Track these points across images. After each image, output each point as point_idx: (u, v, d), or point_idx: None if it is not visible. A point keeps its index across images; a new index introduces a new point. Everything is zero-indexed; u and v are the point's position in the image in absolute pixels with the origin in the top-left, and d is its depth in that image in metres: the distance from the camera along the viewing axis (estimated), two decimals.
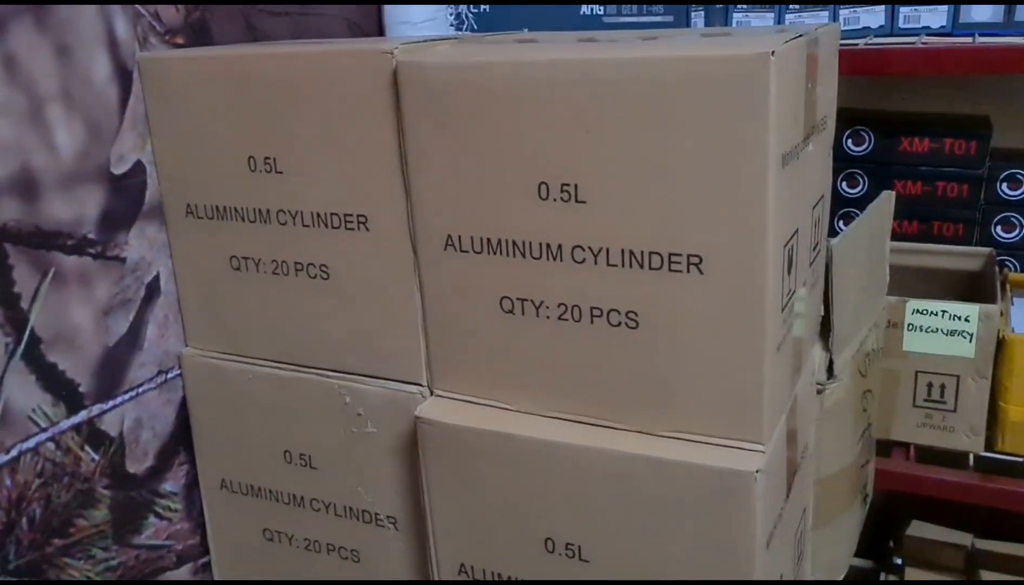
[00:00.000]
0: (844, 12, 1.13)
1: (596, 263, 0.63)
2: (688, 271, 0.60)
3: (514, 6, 1.15)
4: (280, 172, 0.75)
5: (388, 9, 1.08)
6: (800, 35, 0.62)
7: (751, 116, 0.55)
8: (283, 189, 0.76)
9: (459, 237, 0.68)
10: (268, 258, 0.79)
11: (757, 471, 0.60)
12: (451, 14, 1.13)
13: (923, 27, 1.12)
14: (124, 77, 0.79)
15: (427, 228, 0.70)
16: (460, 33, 1.13)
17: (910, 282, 1.20)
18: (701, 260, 0.60)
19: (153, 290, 0.83)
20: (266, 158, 0.76)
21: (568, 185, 0.62)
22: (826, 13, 1.14)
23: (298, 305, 0.79)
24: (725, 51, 0.56)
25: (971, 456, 1.07)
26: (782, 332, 0.63)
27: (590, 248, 0.63)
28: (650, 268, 0.61)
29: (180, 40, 0.84)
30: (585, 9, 1.11)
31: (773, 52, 0.54)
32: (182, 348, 0.86)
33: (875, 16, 1.13)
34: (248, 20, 0.92)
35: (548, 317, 0.66)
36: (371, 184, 0.71)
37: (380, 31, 1.09)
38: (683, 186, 0.59)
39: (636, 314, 0.63)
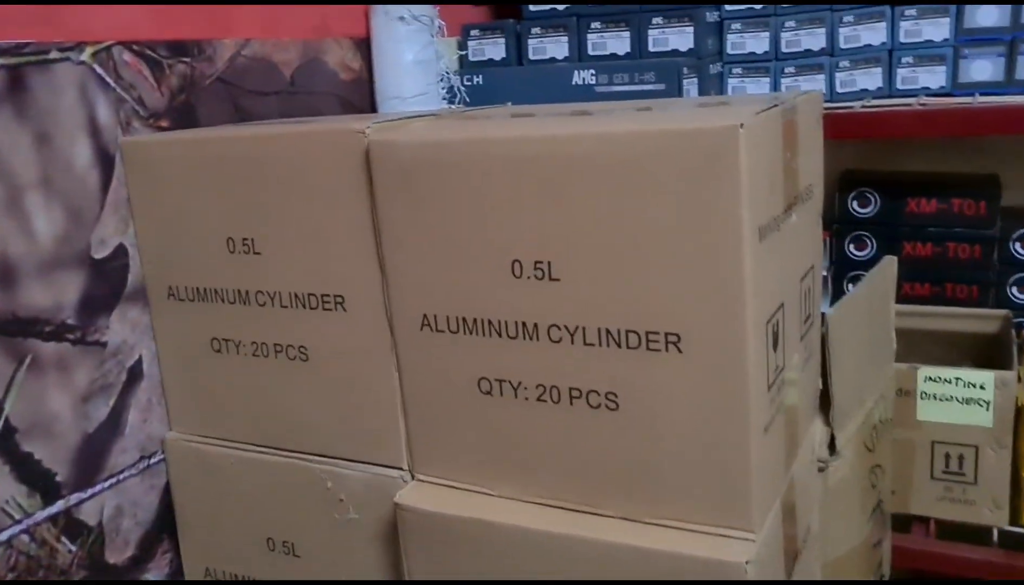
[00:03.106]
0: (840, 75, 1.12)
1: (573, 342, 0.61)
2: (667, 349, 0.58)
3: (508, 76, 1.16)
4: (258, 253, 0.75)
5: (380, 84, 1.08)
6: (775, 105, 0.60)
7: (723, 189, 0.53)
8: (261, 270, 0.75)
9: (435, 317, 0.66)
10: (248, 340, 0.77)
11: (747, 562, 0.57)
12: (443, 87, 1.14)
13: (922, 88, 1.10)
14: (106, 162, 0.79)
15: (403, 308, 0.68)
16: (452, 107, 1.13)
17: (923, 346, 1.16)
18: (679, 338, 0.57)
19: (136, 374, 0.82)
20: (244, 239, 0.75)
21: (541, 263, 0.61)
22: (822, 77, 1.13)
23: (278, 387, 0.77)
24: (693, 124, 0.54)
25: (995, 531, 1.02)
26: (770, 412, 0.60)
27: (566, 327, 0.61)
28: (628, 347, 0.59)
29: (165, 123, 0.85)
30: (577, 78, 1.11)
31: (742, 124, 0.52)
32: (165, 432, 0.85)
33: (872, 78, 1.11)
34: (236, 101, 0.92)
35: (527, 398, 0.64)
36: (347, 264, 0.70)
37: (372, 106, 1.10)
38: (658, 262, 0.57)
39: (616, 395, 0.60)
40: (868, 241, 1.26)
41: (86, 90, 0.77)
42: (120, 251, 0.80)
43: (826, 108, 1.06)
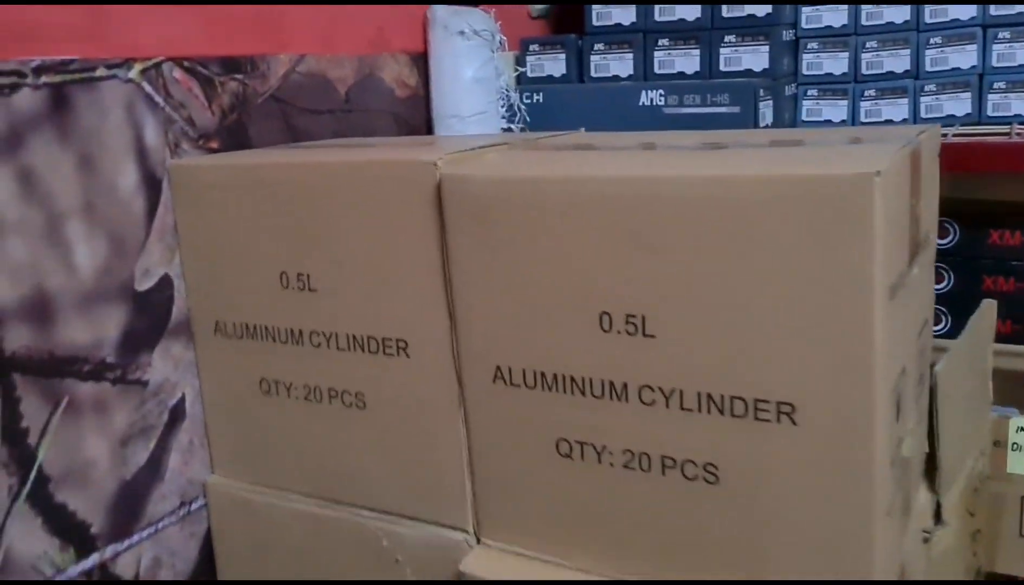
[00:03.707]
0: (925, 100, 1.05)
1: (668, 406, 0.55)
2: (778, 420, 0.51)
3: (570, 95, 1.10)
4: (314, 290, 0.69)
5: (437, 102, 1.02)
6: (904, 144, 0.54)
7: (852, 245, 0.47)
8: (317, 308, 0.69)
9: (510, 369, 0.60)
10: (300, 382, 0.72)
11: None
12: (503, 105, 1.08)
13: (1014, 115, 1.03)
14: (152, 186, 0.73)
15: (474, 357, 0.62)
16: (512, 127, 1.07)
17: (1007, 389, 1.08)
18: (794, 408, 0.51)
19: (177, 414, 0.76)
20: (299, 274, 0.69)
21: (634, 316, 0.54)
22: (905, 101, 1.05)
23: (332, 435, 0.71)
24: (819, 169, 0.48)
25: None
26: (893, 491, 0.53)
27: (660, 389, 0.55)
28: (732, 415, 0.53)
29: (215, 144, 0.79)
30: (644, 98, 1.05)
31: (878, 172, 0.46)
32: (207, 475, 0.79)
33: (960, 103, 1.04)
34: (288, 120, 0.87)
35: (611, 464, 0.58)
36: (412, 306, 0.64)
37: (428, 125, 1.04)
38: (771, 322, 0.50)
39: (715, 467, 0.54)
40: (945, 274, 1.18)
41: (133, 109, 0.72)
42: (165, 282, 0.75)
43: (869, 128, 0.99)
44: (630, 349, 0.55)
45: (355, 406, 0.69)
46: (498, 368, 0.61)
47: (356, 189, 0.65)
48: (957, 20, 1.01)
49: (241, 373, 0.75)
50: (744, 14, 1.05)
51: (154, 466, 0.74)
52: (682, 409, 0.54)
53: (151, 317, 0.74)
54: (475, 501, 0.65)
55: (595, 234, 0.54)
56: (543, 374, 0.59)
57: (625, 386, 0.56)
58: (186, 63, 0.76)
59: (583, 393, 0.58)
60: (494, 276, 0.59)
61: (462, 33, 1.00)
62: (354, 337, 0.68)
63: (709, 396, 0.53)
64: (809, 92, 1.10)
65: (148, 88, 0.73)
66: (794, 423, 0.51)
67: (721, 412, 0.53)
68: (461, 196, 0.59)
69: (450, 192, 0.60)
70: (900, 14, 1.04)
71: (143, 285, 0.73)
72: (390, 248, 0.64)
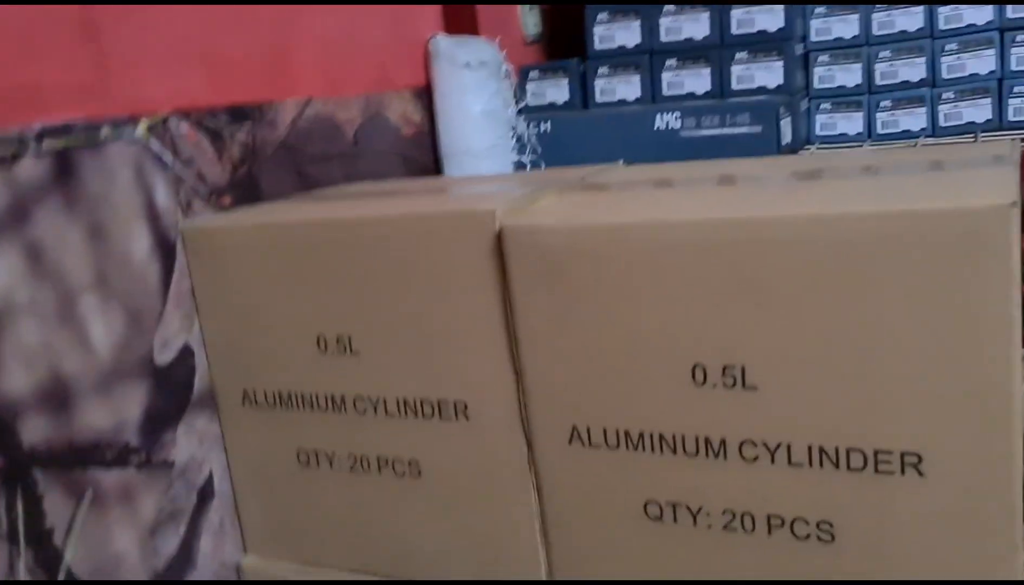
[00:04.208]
0: (944, 108, 1.03)
1: (773, 462, 0.50)
2: (903, 472, 0.47)
3: (579, 123, 1.06)
4: (356, 352, 0.63)
5: (445, 138, 0.98)
6: (1006, 165, 0.50)
7: (988, 282, 0.43)
8: (360, 372, 0.64)
9: (588, 429, 0.55)
10: (344, 452, 0.66)
11: None
12: (513, 137, 1.03)
13: None
14: (166, 251, 0.68)
15: (546, 418, 0.57)
16: (524, 161, 1.03)
17: None
18: (920, 459, 0.47)
19: (206, 493, 0.70)
20: (339, 337, 0.64)
21: (732, 367, 0.50)
22: (923, 110, 1.03)
23: (382, 507, 0.66)
24: (947, 203, 0.44)
25: None
26: None
27: (764, 444, 0.50)
28: (848, 468, 0.48)
29: (227, 200, 0.74)
30: (659, 122, 1.01)
31: (1015, 202, 0.42)
32: (240, 556, 0.73)
33: (980, 110, 1.02)
34: (299, 168, 0.82)
35: (709, 527, 0.53)
36: (471, 365, 0.59)
37: (435, 163, 0.99)
38: (892, 367, 0.46)
39: (831, 525, 0.50)
40: None
41: (142, 171, 0.66)
42: (185, 353, 0.69)
43: (931, 145, 0.97)
44: (728, 402, 0.51)
45: (408, 475, 0.64)
46: (575, 428, 0.56)
47: (403, 244, 0.60)
48: (973, 25, 0.99)
49: (274, 445, 0.69)
50: (755, 30, 1.02)
51: (185, 553, 0.68)
52: (790, 464, 0.50)
53: (173, 392, 0.68)
54: (550, 572, 0.60)
55: (685, 282, 0.50)
56: (627, 433, 0.54)
57: (723, 442, 0.51)
58: (193, 115, 0.71)
59: (674, 451, 0.53)
60: (568, 330, 0.54)
61: (467, 65, 0.95)
62: (405, 401, 0.63)
63: (821, 449, 0.49)
64: (822, 106, 1.08)
65: (156, 146, 0.68)
66: (920, 475, 0.47)
67: (836, 466, 0.49)
68: (528, 248, 0.54)
69: (514, 244, 0.55)
70: (913, 22, 1.02)
71: (163, 358, 0.67)
72: (444, 304, 0.59)
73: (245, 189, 0.76)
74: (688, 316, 0.50)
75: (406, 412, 0.63)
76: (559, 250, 0.53)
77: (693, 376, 0.51)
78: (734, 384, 0.50)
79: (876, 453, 0.48)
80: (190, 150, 0.71)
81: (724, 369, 0.50)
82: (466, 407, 0.60)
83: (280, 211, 0.70)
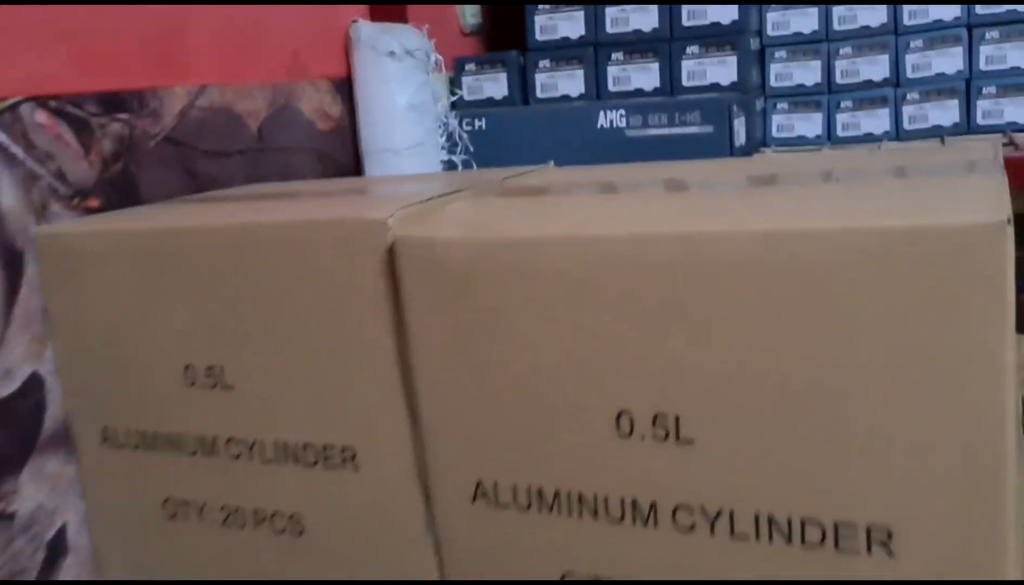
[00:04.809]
0: (908, 109, 0.95)
1: (713, 532, 0.41)
2: (868, 551, 0.38)
3: (516, 120, 0.96)
4: (229, 386, 0.54)
5: (366, 134, 0.88)
6: (991, 173, 0.42)
7: (975, 315, 0.35)
8: (234, 410, 0.54)
9: (495, 485, 0.46)
10: (216, 503, 0.56)
11: None
12: (442, 135, 0.94)
13: (1007, 122, 0.94)
14: (12, 262, 0.57)
15: (446, 471, 0.48)
16: (455, 160, 0.93)
17: None
18: (890, 535, 0.38)
19: (58, 548, 0.60)
20: (209, 367, 0.54)
21: (664, 416, 0.41)
22: (886, 111, 0.96)
23: (259, 568, 0.56)
24: (931, 219, 0.35)
25: None
26: None
27: (703, 509, 0.41)
28: (803, 543, 0.40)
29: (95, 203, 0.63)
30: (603, 120, 0.92)
31: (1009, 219, 0.34)
32: None
33: (947, 112, 0.95)
34: (189, 165, 0.71)
35: None
36: (360, 405, 0.50)
37: (356, 162, 0.89)
38: (857, 419, 0.38)
39: None
40: None
41: None
42: (33, 384, 0.58)
43: (896, 150, 0.89)
44: (660, 458, 0.42)
45: (289, 532, 0.54)
46: (480, 484, 0.47)
47: (280, 259, 0.50)
48: (940, 21, 0.92)
49: (138, 492, 0.59)
50: (707, 22, 0.94)
51: None
52: (732, 535, 0.41)
53: (17, 430, 0.57)
54: None
55: (610, 311, 0.41)
56: (540, 491, 0.45)
57: (654, 506, 0.42)
58: (52, 102, 0.60)
59: (595, 515, 0.44)
60: (471, 366, 0.45)
61: (392, 54, 0.86)
62: (285, 445, 0.53)
63: (771, 519, 0.40)
64: (779, 105, 1.00)
65: (2, 137, 0.57)
66: (890, 554, 0.38)
67: (788, 540, 0.40)
68: (424, 265, 0.45)
69: (409, 260, 0.45)
70: (876, 17, 0.94)
71: (4, 390, 0.57)
72: (329, 331, 0.50)
73: (118, 190, 0.65)
74: (614, 352, 0.41)
75: (286, 458, 0.53)
76: (461, 268, 0.44)
77: (618, 425, 0.42)
78: (667, 436, 0.41)
79: (837, 526, 0.39)
80: (48, 143, 0.60)
81: (655, 418, 0.41)
82: (355, 455, 0.51)
83: (153, 215, 0.60)
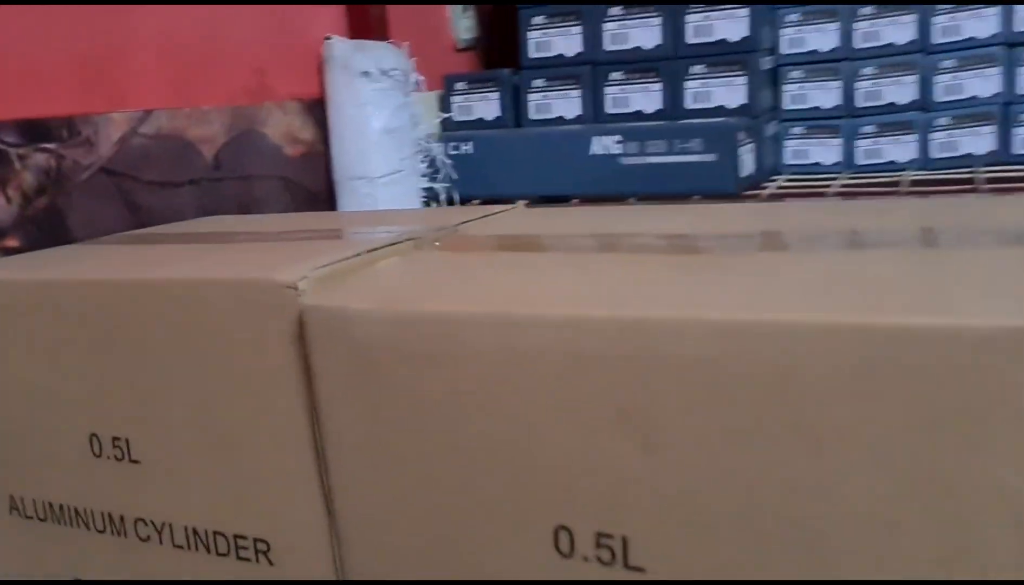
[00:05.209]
0: (937, 136, 0.87)
1: None
2: None
3: (505, 145, 0.90)
4: (136, 461, 0.47)
5: (339, 161, 0.81)
6: None
7: (998, 433, 0.27)
8: (142, 487, 0.47)
9: None
10: None
11: None
12: (423, 160, 0.87)
13: None
14: None
15: (367, 568, 0.41)
16: (436, 188, 0.86)
17: None
18: None
19: None
20: (115, 438, 0.47)
21: (608, 537, 0.34)
22: (912, 138, 0.87)
23: None
24: (949, 317, 0.28)
25: None
26: None
27: None
28: None
29: (14, 242, 0.57)
30: (597, 146, 0.85)
31: None
32: None
33: (981, 140, 0.86)
34: (129, 199, 0.65)
35: None
36: (272, 493, 0.43)
37: (329, 191, 0.83)
38: (850, 561, 0.30)
39: None
40: None
41: None
42: None
43: (918, 180, 0.81)
44: (595, 573, 0.34)
45: None
46: None
47: (182, 320, 0.43)
48: (973, 39, 0.83)
49: (47, 568, 0.53)
50: (714, 39, 0.86)
51: None
52: None
53: None
54: None
55: (547, 408, 0.34)
56: None
57: None
58: None
59: None
60: (387, 459, 0.38)
61: (367, 74, 0.79)
62: (195, 531, 0.46)
63: None
64: (793, 130, 0.92)
65: None
66: None
67: None
68: (335, 338, 0.38)
69: (318, 332, 0.39)
70: (903, 33, 0.86)
71: None
72: (235, 405, 0.43)
73: (43, 228, 0.59)
74: (549, 457, 0.34)
75: (197, 546, 0.46)
76: (373, 344, 0.37)
77: (556, 544, 0.35)
78: (611, 560, 0.34)
79: None
80: None
81: (598, 538, 0.34)
82: (268, 548, 0.44)
83: (64, 261, 0.54)
